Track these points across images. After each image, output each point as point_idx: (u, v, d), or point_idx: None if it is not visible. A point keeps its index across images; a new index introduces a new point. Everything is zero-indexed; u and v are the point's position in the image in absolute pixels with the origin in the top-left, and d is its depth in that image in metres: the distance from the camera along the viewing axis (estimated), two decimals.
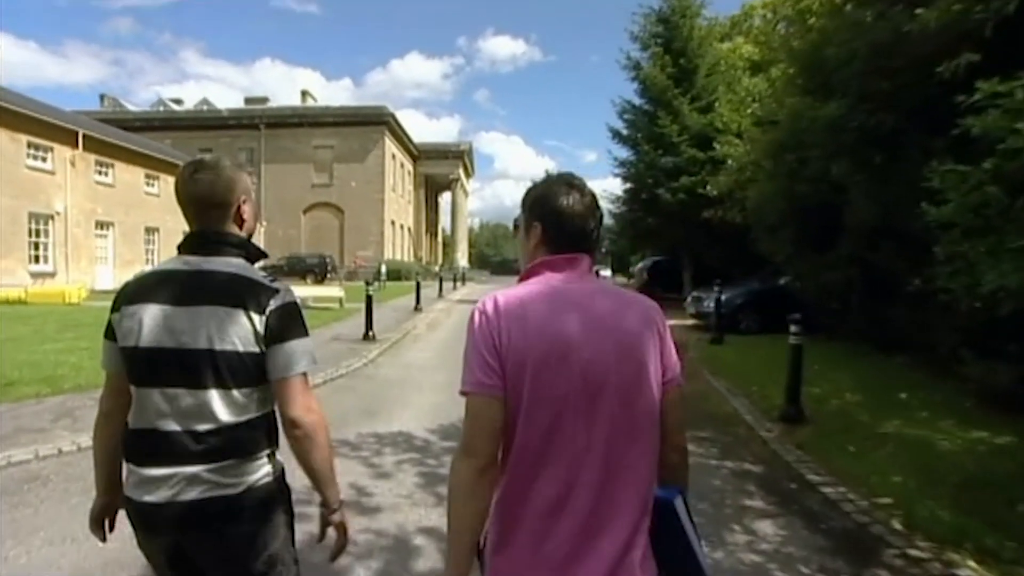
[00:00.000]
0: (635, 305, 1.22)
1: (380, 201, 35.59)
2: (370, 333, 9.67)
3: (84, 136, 20.30)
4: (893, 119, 5.87)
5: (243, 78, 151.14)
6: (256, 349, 1.27)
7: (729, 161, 14.28)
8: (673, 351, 1.23)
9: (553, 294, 1.17)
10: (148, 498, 1.25)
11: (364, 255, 33.39)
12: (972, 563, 2.79)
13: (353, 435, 4.80)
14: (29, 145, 18.63)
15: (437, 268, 35.30)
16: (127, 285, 1.36)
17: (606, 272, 36.19)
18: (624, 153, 18.53)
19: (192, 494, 1.24)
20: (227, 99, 42.95)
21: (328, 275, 29.87)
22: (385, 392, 6.39)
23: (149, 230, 23.66)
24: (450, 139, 53.07)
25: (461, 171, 46.72)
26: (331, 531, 1.39)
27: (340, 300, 15.12)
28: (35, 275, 18.60)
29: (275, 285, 1.34)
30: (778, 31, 14.43)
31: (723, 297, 10.28)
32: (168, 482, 1.24)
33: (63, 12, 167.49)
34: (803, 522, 3.41)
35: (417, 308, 14.97)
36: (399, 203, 39.91)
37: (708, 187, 14.72)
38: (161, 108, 40.65)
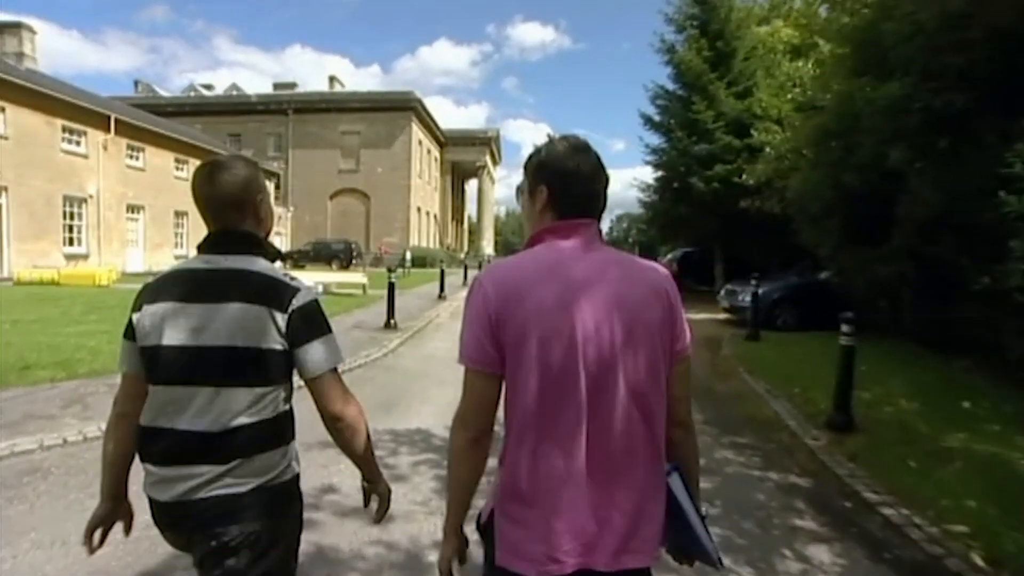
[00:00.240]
0: (644, 273, 1.17)
1: (406, 187, 35.49)
2: (392, 321, 9.46)
3: (116, 120, 20.54)
4: (963, 99, 5.32)
5: (274, 65, 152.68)
6: (278, 346, 1.27)
7: (767, 149, 13.62)
8: (684, 321, 1.19)
9: (556, 264, 1.12)
10: (164, 497, 1.26)
11: (390, 241, 33.36)
12: None
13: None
14: (64, 129, 18.92)
15: (463, 255, 35.12)
16: (148, 285, 1.36)
17: None
18: (656, 140, 17.93)
19: (204, 493, 1.25)
20: (257, 85, 43.55)
21: (353, 261, 29.96)
22: (404, 385, 6.14)
23: (178, 214, 23.94)
24: (477, 126, 52.60)
25: (488, 158, 46.31)
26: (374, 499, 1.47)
27: (363, 286, 14.99)
28: (69, 257, 18.97)
29: (296, 284, 1.33)
30: (819, 13, 13.69)
31: (760, 291, 9.74)
32: (184, 481, 1.25)
33: (102, 1, 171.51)
34: (864, 550, 3.02)
35: (441, 296, 14.75)
36: (425, 190, 39.77)
37: (744, 176, 14.10)
38: (192, 94, 41.15)
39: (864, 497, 3.58)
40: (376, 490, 1.47)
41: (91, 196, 20.02)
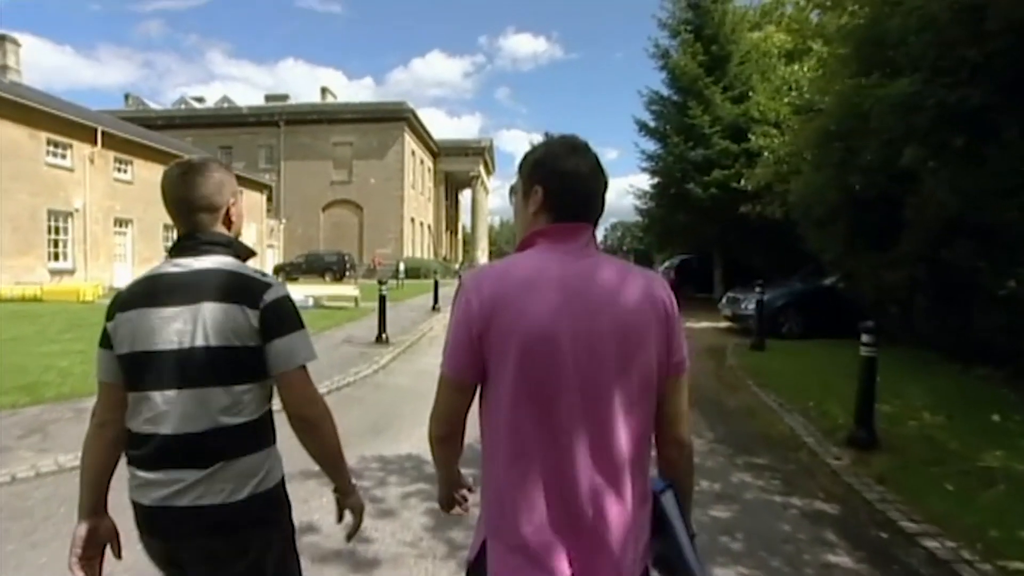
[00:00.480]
0: (638, 281, 1.12)
1: (399, 198, 35.20)
2: (383, 336, 9.09)
3: (103, 133, 20.16)
4: (980, 94, 5.05)
5: (267, 78, 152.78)
6: (253, 343, 1.25)
7: (765, 153, 13.41)
8: (681, 333, 1.14)
9: (545, 270, 1.08)
10: (146, 501, 1.24)
11: (383, 253, 33.05)
12: None
13: (355, 459, 4.18)
14: (48, 142, 18.52)
15: (457, 266, 34.79)
16: (119, 293, 1.34)
17: None
18: (652, 146, 17.75)
19: (188, 499, 1.22)
20: (251, 98, 43.16)
21: (347, 273, 29.57)
22: (395, 405, 5.78)
23: (168, 227, 23.41)
24: (471, 137, 52.45)
25: (482, 168, 46.14)
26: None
27: (355, 299, 14.62)
28: (54, 272, 18.52)
29: (267, 279, 1.31)
30: (810, 19, 13.55)
31: (764, 298, 9.43)
32: (166, 486, 1.22)
33: (97, 17, 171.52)
34: None
35: (435, 308, 14.39)
36: (419, 200, 39.49)
37: (743, 181, 13.86)
38: (183, 106, 40.85)
39: (901, 526, 3.24)
40: (347, 503, 1.41)
41: (77, 210, 19.59)
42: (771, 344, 9.09)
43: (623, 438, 1.06)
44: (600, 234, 1.40)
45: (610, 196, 1.23)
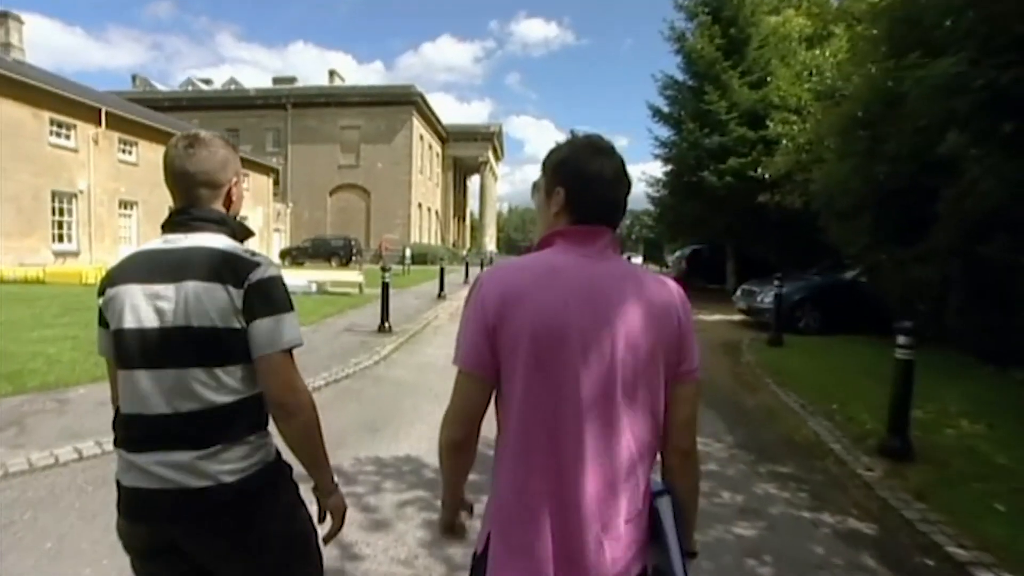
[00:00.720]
0: (652, 287, 1.11)
1: (407, 183, 34.84)
2: (386, 324, 8.80)
3: (107, 114, 19.89)
4: None
5: (276, 61, 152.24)
6: (236, 325, 1.20)
7: (784, 141, 12.94)
8: (692, 340, 1.13)
9: (562, 271, 1.07)
10: (136, 484, 1.21)
11: (390, 238, 32.76)
12: None
13: (349, 461, 3.91)
14: (52, 122, 18.29)
15: (464, 252, 34.45)
16: (110, 269, 1.31)
17: (638, 259, 34.79)
18: (665, 132, 17.24)
19: (182, 482, 1.18)
20: (259, 81, 42.61)
21: (353, 258, 29.37)
22: (395, 400, 5.50)
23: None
24: (480, 122, 51.80)
25: (490, 154, 45.60)
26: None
27: (360, 285, 14.36)
28: (58, 254, 18.38)
29: (256, 259, 1.26)
30: (831, 2, 12.98)
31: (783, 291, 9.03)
32: (157, 468, 1.19)
33: None
34: None
35: (440, 295, 14.10)
36: (427, 185, 39.10)
37: (760, 169, 13.41)
38: (189, 88, 40.51)
39: (948, 552, 2.92)
40: (327, 504, 1.35)
41: (81, 191, 19.40)
42: (789, 340, 8.73)
43: (628, 444, 1.06)
44: None
45: None
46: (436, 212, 42.51)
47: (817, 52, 13.55)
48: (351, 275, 15.36)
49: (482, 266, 25.78)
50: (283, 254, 30.42)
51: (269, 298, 1.23)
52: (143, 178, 21.80)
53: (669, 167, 17.26)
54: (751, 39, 15.62)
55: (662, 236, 19.28)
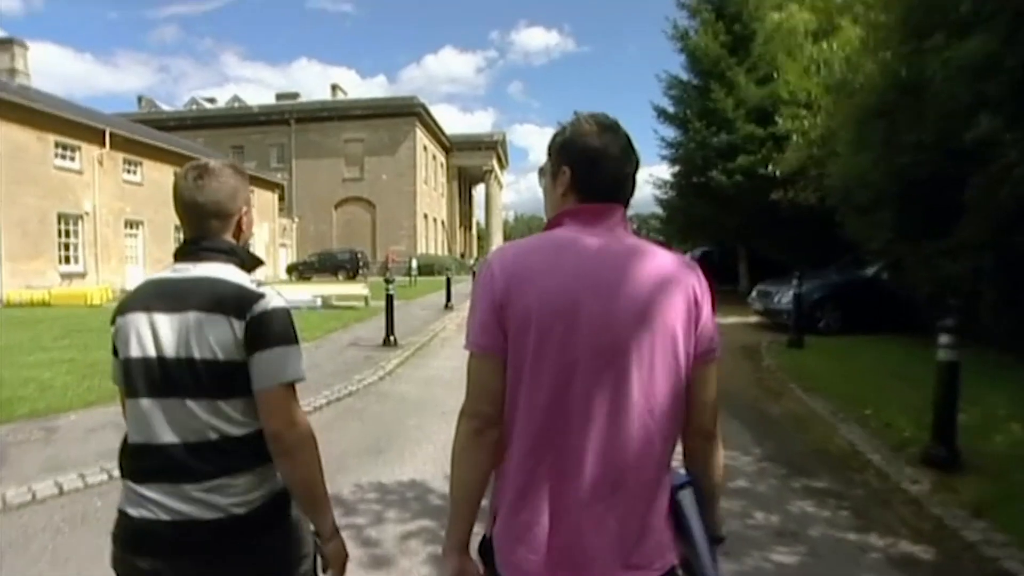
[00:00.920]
0: (667, 263, 1.06)
1: (412, 194, 34.77)
2: (391, 338, 8.55)
3: (111, 135, 19.95)
4: None
5: (281, 79, 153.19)
6: (238, 357, 1.18)
7: (794, 136, 12.61)
8: (710, 319, 1.08)
9: (571, 249, 1.04)
10: (137, 514, 1.18)
11: (396, 249, 32.65)
12: None
13: (349, 487, 3.63)
14: (57, 145, 18.35)
15: (471, 262, 34.25)
16: (124, 297, 1.33)
17: None
18: (671, 133, 16.93)
19: (188, 514, 1.16)
20: (264, 99, 42.61)
21: (360, 271, 29.24)
22: (399, 418, 5.21)
23: (179, 228, 21.60)
24: (484, 131, 51.78)
25: (495, 162, 45.52)
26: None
27: (365, 299, 14.14)
28: (65, 276, 18.35)
29: (260, 290, 1.24)
30: None
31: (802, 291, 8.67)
32: (158, 501, 1.16)
33: (114, 24, 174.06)
34: None
35: (447, 306, 13.85)
36: (432, 196, 39.03)
37: (771, 166, 13.08)
38: (194, 107, 40.82)
39: None
40: (326, 551, 1.27)
41: (87, 213, 19.41)
42: (809, 341, 8.36)
43: (645, 427, 1.02)
44: None
45: None
46: (442, 222, 42.41)
47: (824, 46, 13.26)
48: (356, 288, 15.15)
49: None
50: (290, 269, 30.38)
51: (271, 331, 1.21)
52: (148, 197, 21.83)
53: (676, 168, 16.95)
54: (756, 34, 15.33)
55: (671, 239, 18.93)
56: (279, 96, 41.36)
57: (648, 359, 1.00)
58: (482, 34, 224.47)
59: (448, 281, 14.68)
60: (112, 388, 5.11)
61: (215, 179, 1.28)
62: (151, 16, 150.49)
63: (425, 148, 37.06)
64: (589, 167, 1.08)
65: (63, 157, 18.64)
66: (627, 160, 1.11)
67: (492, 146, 44.53)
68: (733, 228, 15.31)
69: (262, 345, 1.19)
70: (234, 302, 1.20)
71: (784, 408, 5.63)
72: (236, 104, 40.62)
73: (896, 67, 7.59)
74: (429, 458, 4.19)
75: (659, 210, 19.81)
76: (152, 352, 1.20)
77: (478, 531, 1.10)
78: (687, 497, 1.08)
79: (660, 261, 1.06)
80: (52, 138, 18.12)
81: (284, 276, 30.10)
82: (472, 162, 43.75)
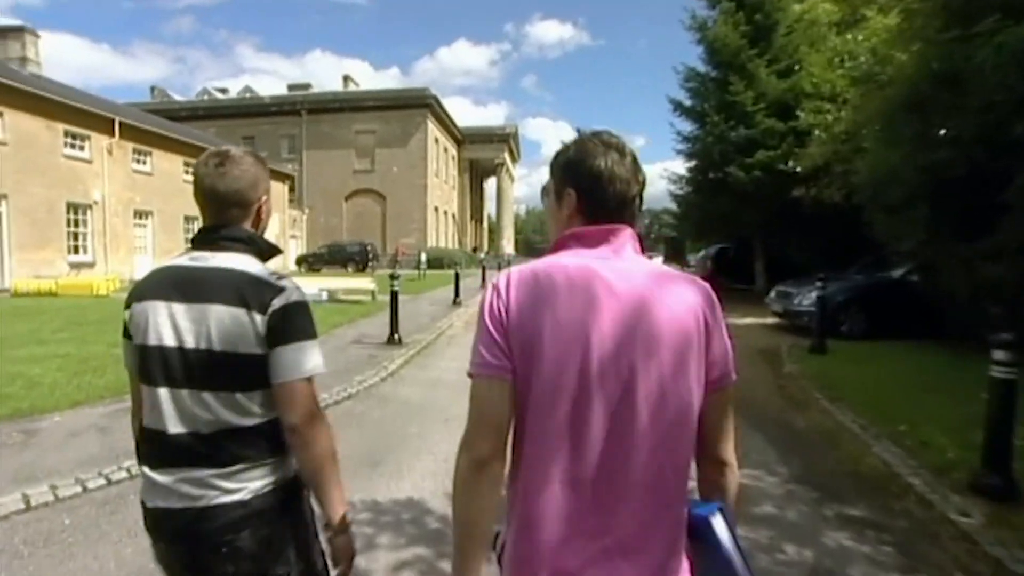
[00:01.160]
0: (675, 287, 1.03)
1: (423, 187, 34.51)
2: (395, 336, 8.27)
3: (121, 124, 19.84)
4: None
5: (294, 70, 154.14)
6: (258, 351, 1.20)
7: (817, 131, 12.13)
8: (725, 342, 1.04)
9: (577, 272, 1.01)
10: (154, 503, 1.23)
11: (406, 243, 32.44)
12: None
13: None
14: (66, 134, 18.26)
15: (482, 256, 33.98)
16: (138, 282, 1.33)
17: (658, 259, 33.93)
18: (688, 127, 16.46)
19: (205, 500, 1.19)
20: (277, 90, 42.56)
21: (370, 263, 29.07)
22: (400, 425, 4.92)
23: (188, 219, 23.17)
24: (496, 124, 51.31)
25: (507, 155, 45.12)
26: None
27: (372, 293, 13.89)
28: (74, 266, 18.31)
29: (281, 283, 1.25)
30: None
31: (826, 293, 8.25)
32: (173, 487, 1.20)
33: (130, 14, 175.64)
34: None
35: (456, 301, 13.56)
36: (443, 189, 38.75)
37: (791, 162, 12.62)
38: (205, 97, 40.77)
39: None
40: (335, 543, 1.27)
41: (96, 202, 19.34)
42: (833, 346, 7.96)
43: (656, 457, 0.97)
44: None
45: None
46: (453, 215, 42.13)
47: (849, 37, 12.73)
48: (363, 282, 14.90)
49: (499, 269, 25.14)
50: (299, 261, 30.28)
51: (292, 325, 1.22)
52: (158, 188, 21.74)
53: (693, 163, 16.49)
54: (778, 25, 14.80)
55: (686, 235, 18.49)
56: (291, 87, 41.21)
57: (659, 386, 0.97)
58: (496, 27, 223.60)
59: (457, 276, 14.38)
60: (102, 386, 4.86)
61: (236, 166, 1.27)
62: (167, 7, 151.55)
63: (436, 140, 36.74)
64: (595, 189, 1.06)
65: (72, 146, 18.55)
66: (634, 180, 1.08)
67: (504, 139, 44.11)
68: (751, 225, 14.86)
69: (284, 339, 1.20)
70: (255, 295, 1.20)
71: (809, 420, 5.26)
72: (248, 95, 40.52)
73: (932, 56, 7.14)
74: (428, 472, 3.89)
75: (673, 206, 19.37)
76: (170, 342, 1.20)
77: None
78: (720, 524, 1.02)
79: (670, 285, 1.03)
80: (61, 127, 18.03)
81: (294, 267, 30.00)
82: (484, 155, 43.38)
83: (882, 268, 9.83)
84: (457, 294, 13.86)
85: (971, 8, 5.75)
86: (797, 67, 14.22)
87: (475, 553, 0.99)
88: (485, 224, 55.41)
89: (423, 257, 25.02)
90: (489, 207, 55.31)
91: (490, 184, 52.51)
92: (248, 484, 1.20)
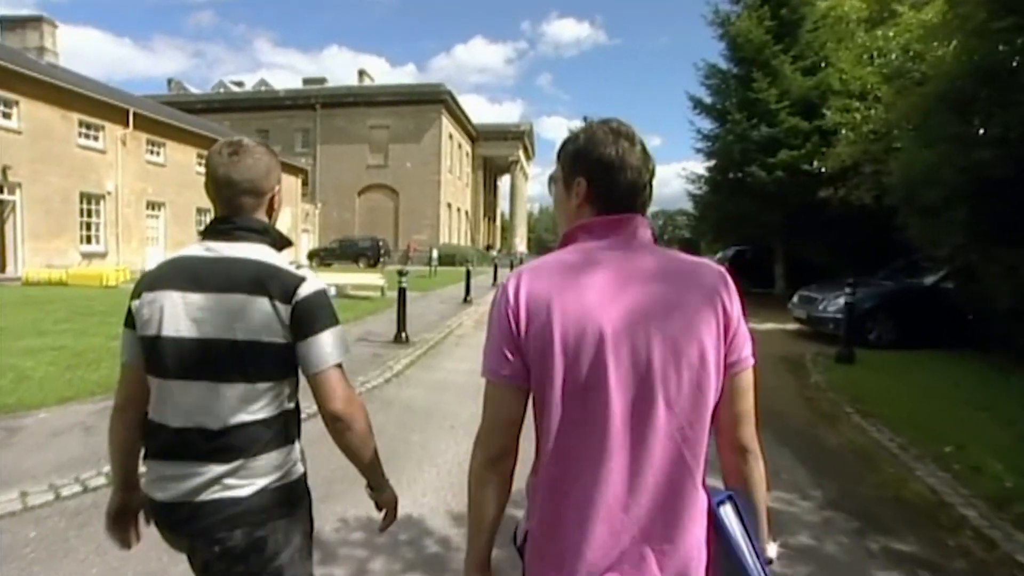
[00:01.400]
0: (692, 273, 1.03)
1: (436, 183, 34.29)
2: (402, 335, 7.99)
3: (135, 115, 19.80)
4: None
5: (311, 65, 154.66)
6: (281, 340, 1.21)
7: (843, 130, 11.65)
8: (742, 326, 1.02)
9: (589, 268, 1.00)
10: (162, 496, 1.23)
11: (418, 239, 32.26)
12: None
13: (332, 523, 3.05)
14: (80, 124, 18.25)
15: (494, 253, 33.71)
16: (148, 272, 1.31)
17: None
18: (708, 125, 16.01)
19: (205, 495, 1.19)
20: (292, 85, 42.53)
21: (381, 259, 28.92)
22: (402, 432, 4.62)
23: (201, 211, 23.10)
24: (510, 121, 50.96)
25: (521, 153, 44.77)
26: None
27: (382, 289, 13.64)
28: (86, 255, 18.30)
29: (301, 273, 1.26)
30: None
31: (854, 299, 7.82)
32: (183, 480, 1.20)
33: (152, 9, 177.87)
34: None
35: (466, 300, 13.28)
36: (456, 185, 38.51)
37: (815, 162, 12.16)
38: (221, 91, 40.87)
39: None
40: (380, 499, 1.39)
41: (109, 193, 19.32)
42: (861, 355, 7.54)
43: (676, 447, 0.97)
44: None
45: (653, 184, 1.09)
46: (466, 212, 41.89)
47: (879, 33, 12.24)
48: (372, 278, 14.65)
49: (512, 267, 24.82)
50: (311, 255, 30.21)
51: (320, 313, 1.23)
52: (171, 179, 21.70)
53: (712, 162, 16.03)
54: (804, 20, 14.31)
55: (702, 236, 18.01)
56: (306, 81, 41.18)
57: (676, 375, 0.96)
58: (513, 25, 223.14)
59: (468, 273, 14.08)
60: (94, 381, 4.58)
61: (250, 156, 1.27)
62: (188, 1, 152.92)
63: (451, 136, 36.49)
64: (606, 178, 1.04)
65: (86, 136, 18.54)
66: (644, 168, 1.06)
67: (519, 136, 43.76)
68: (772, 227, 14.39)
69: (313, 329, 1.21)
70: (278, 284, 1.20)
71: (842, 437, 4.89)
72: (263, 88, 40.56)
73: (975, 49, 6.72)
74: (430, 487, 3.59)
75: (688, 207, 18.93)
76: (188, 333, 1.19)
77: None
78: (728, 513, 1.02)
79: (684, 270, 1.03)
80: (76, 117, 18.02)
81: (305, 262, 29.94)
82: (498, 152, 43.07)
83: (912, 273, 9.38)
84: (468, 292, 13.57)
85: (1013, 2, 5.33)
86: (823, 64, 13.73)
87: (484, 540, 1.04)
88: (498, 222, 55.11)
89: (435, 254, 24.77)
90: (502, 205, 55.01)
91: (504, 182, 52.22)
92: (249, 480, 1.20)
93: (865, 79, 11.34)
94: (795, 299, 10.43)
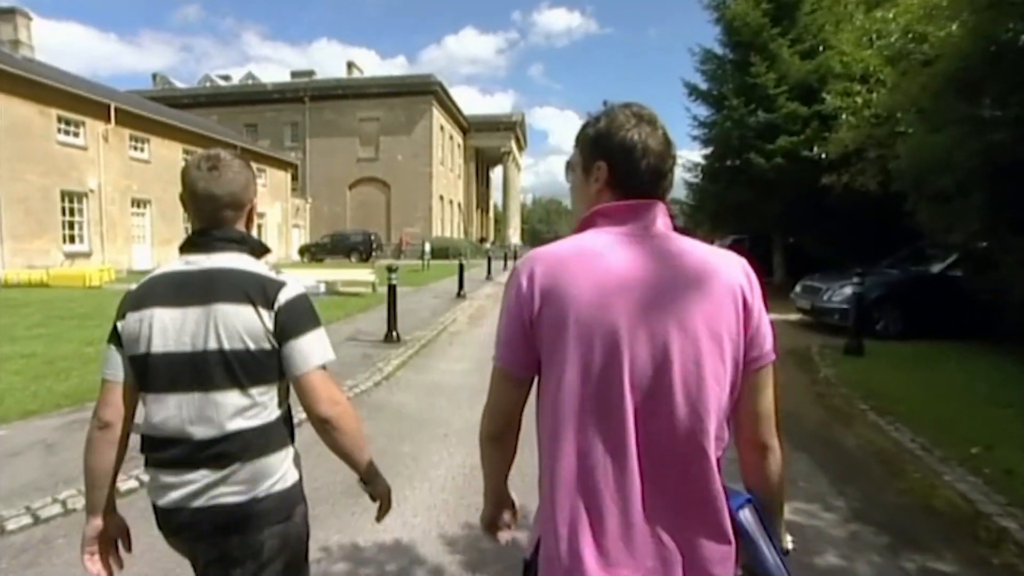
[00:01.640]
0: (711, 263, 0.99)
1: (428, 175, 33.84)
2: (393, 333, 7.67)
3: (117, 110, 19.29)
4: None
5: (300, 58, 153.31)
6: (267, 345, 1.23)
7: (843, 115, 11.35)
8: (764, 320, 1.00)
9: (605, 253, 0.97)
10: (163, 502, 1.25)
11: (411, 232, 31.87)
12: None
13: (313, 552, 2.71)
14: (60, 119, 17.74)
15: (488, 245, 33.32)
16: (131, 291, 1.32)
17: None
18: (704, 112, 15.65)
19: (203, 499, 1.22)
20: (280, 78, 41.82)
21: (373, 253, 28.53)
22: (392, 443, 4.30)
23: None
24: (502, 113, 50.39)
25: (513, 143, 44.28)
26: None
27: (372, 284, 13.30)
28: (70, 255, 17.86)
29: (281, 278, 1.29)
30: None
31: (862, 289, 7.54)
32: (181, 487, 1.22)
33: (138, 3, 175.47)
34: None
35: (460, 294, 12.95)
36: (448, 177, 38.05)
37: (815, 148, 11.85)
38: (208, 84, 40.13)
39: None
40: (374, 492, 1.40)
41: (92, 190, 18.84)
42: (868, 347, 7.28)
43: (692, 442, 0.94)
44: None
45: None
46: (458, 204, 41.45)
47: (879, 15, 11.92)
48: (362, 274, 14.30)
49: (506, 260, 24.44)
50: (302, 250, 29.77)
51: (301, 317, 1.25)
52: (156, 175, 21.21)
53: (709, 150, 15.69)
54: (802, 2, 13.94)
55: (699, 226, 17.72)
56: (294, 74, 40.46)
57: (695, 368, 0.93)
58: (504, 15, 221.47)
59: (461, 267, 13.74)
60: (61, 392, 4.20)
61: (229, 169, 1.28)
62: None
63: (442, 128, 35.99)
64: (627, 162, 1.02)
65: (66, 132, 18.03)
66: (667, 154, 1.03)
67: (511, 127, 43.28)
68: (772, 216, 14.09)
69: (296, 333, 1.23)
70: (260, 291, 1.23)
71: (859, 438, 4.61)
72: (250, 81, 39.84)
73: (987, 26, 6.41)
74: (421, 505, 3.29)
75: (681, 196, 18.58)
76: (179, 347, 1.20)
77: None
78: (748, 516, 1.00)
79: (704, 260, 0.98)
80: (55, 112, 17.51)
81: (296, 257, 29.50)
82: (490, 143, 42.61)
83: (918, 262, 9.12)
84: (461, 286, 13.25)
85: None
86: (822, 47, 13.40)
87: (499, 476, 1.15)
88: (491, 214, 54.68)
89: (427, 247, 24.39)
90: (495, 197, 54.52)
91: (496, 173, 51.72)
92: (245, 486, 1.22)
93: (867, 61, 11.02)
94: (798, 289, 10.17)
